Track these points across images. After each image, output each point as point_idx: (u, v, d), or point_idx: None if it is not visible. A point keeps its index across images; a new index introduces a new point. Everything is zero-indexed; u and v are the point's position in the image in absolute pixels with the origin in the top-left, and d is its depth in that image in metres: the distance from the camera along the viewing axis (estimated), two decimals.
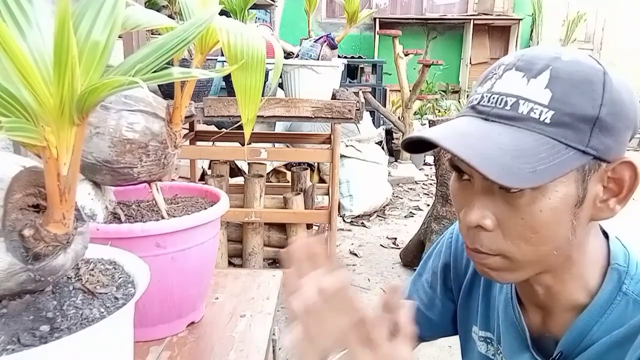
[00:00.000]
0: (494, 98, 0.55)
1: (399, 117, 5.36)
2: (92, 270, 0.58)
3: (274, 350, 0.95)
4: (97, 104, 0.42)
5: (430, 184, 4.87)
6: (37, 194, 0.49)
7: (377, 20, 7.38)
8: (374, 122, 5.11)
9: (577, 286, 0.61)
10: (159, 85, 1.92)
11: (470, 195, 0.58)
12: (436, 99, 6.78)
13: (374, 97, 5.44)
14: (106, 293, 0.54)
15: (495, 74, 0.57)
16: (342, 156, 3.67)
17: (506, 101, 0.54)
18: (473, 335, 0.77)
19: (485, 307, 0.74)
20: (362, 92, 2.90)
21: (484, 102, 0.56)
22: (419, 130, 0.58)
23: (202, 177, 3.01)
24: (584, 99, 0.52)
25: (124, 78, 0.38)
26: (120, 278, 0.58)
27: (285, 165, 3.80)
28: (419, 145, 0.60)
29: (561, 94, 0.52)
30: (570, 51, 0.56)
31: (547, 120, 0.52)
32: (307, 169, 2.85)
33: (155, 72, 0.42)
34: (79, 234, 0.51)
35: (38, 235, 0.47)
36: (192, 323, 0.84)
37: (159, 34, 0.62)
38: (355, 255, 3.20)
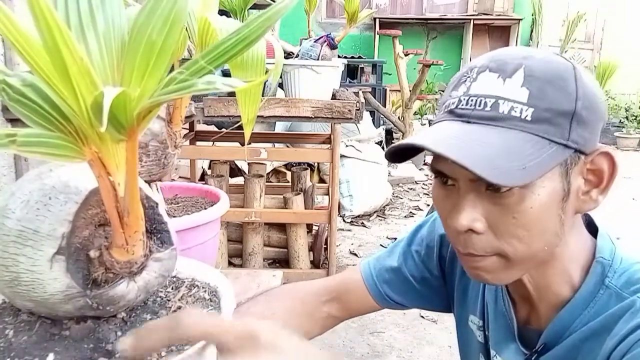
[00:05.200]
0: (472, 100, 0.55)
1: (399, 117, 5.36)
2: (191, 296, 0.52)
3: None
4: (148, 117, 0.35)
5: (430, 184, 4.87)
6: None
7: (377, 20, 7.38)
8: (374, 122, 5.11)
9: (561, 281, 0.62)
10: None
11: (456, 200, 0.57)
12: (436, 99, 6.77)
13: (374, 97, 5.45)
14: None
15: (469, 77, 0.57)
16: (342, 156, 3.67)
17: (485, 102, 0.54)
18: (471, 325, 0.77)
19: (482, 296, 0.75)
20: (362, 92, 2.90)
21: (462, 105, 0.56)
22: (399, 141, 0.60)
23: (202, 177, 3.02)
24: (559, 94, 0.54)
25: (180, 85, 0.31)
26: None
27: (285, 165, 3.80)
28: (402, 154, 0.60)
29: (538, 91, 0.53)
30: (539, 50, 0.58)
31: (528, 118, 0.53)
32: (307, 169, 2.85)
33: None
34: (156, 261, 0.45)
35: (101, 259, 0.42)
36: None
37: None
38: (355, 255, 3.20)
